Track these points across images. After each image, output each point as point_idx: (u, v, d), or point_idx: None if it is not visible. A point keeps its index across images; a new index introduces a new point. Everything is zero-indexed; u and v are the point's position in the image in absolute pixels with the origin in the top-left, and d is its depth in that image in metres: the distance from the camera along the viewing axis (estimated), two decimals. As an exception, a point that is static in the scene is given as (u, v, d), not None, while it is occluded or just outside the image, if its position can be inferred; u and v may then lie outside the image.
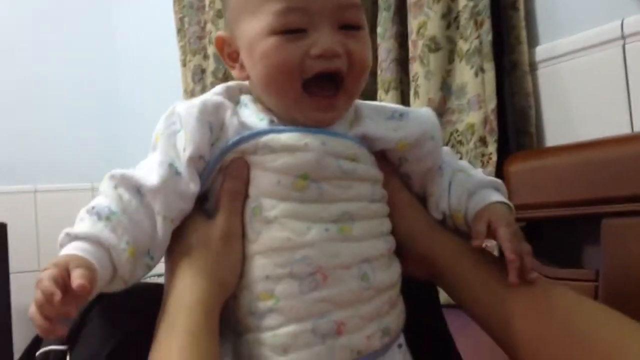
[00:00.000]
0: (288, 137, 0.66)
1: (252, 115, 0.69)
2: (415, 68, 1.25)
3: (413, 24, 1.25)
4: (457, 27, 1.20)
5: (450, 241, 0.73)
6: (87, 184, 2.60)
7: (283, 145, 0.66)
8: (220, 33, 0.74)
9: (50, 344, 0.69)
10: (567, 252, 1.10)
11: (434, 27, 1.21)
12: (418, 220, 0.74)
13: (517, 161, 1.13)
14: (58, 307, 0.55)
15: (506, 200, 0.73)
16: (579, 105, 1.10)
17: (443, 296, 0.85)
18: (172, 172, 0.65)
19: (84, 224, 0.63)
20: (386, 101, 1.30)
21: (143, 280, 0.71)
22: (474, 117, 1.17)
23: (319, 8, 0.65)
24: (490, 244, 0.74)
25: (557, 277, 0.98)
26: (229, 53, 0.73)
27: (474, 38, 1.16)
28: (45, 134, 2.67)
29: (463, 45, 1.19)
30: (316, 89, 0.67)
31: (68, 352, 0.68)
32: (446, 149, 0.78)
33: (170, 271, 0.67)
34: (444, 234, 0.74)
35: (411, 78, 1.27)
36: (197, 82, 1.98)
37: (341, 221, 0.66)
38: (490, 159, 1.15)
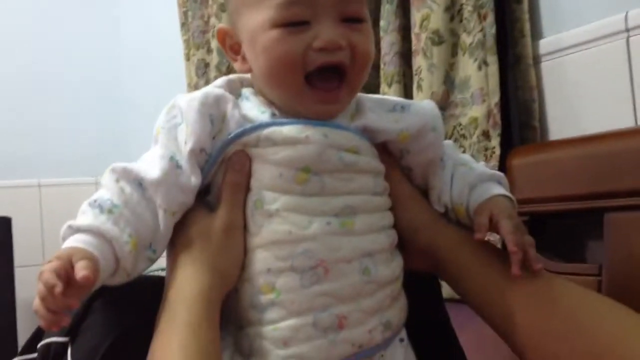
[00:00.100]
0: (290, 129, 0.66)
1: (254, 108, 0.69)
2: (418, 61, 1.25)
3: (416, 16, 1.25)
4: (461, 20, 1.20)
5: (452, 233, 0.73)
6: (90, 178, 2.61)
7: (284, 138, 0.66)
8: (222, 25, 0.74)
9: (51, 336, 0.69)
10: (570, 246, 1.10)
11: (437, 20, 1.21)
12: (420, 213, 0.74)
13: (521, 155, 1.12)
14: (60, 298, 0.55)
15: (508, 193, 0.73)
16: (582, 98, 1.10)
17: (445, 291, 0.85)
18: (173, 165, 0.65)
19: (86, 216, 0.63)
20: (389, 95, 1.30)
21: (146, 274, 0.71)
22: (477, 110, 1.17)
23: (322, 0, 0.65)
24: (493, 238, 0.74)
25: (560, 271, 0.98)
26: (230, 45, 0.73)
27: (478, 31, 1.16)
28: (49, 129, 2.68)
29: (466, 39, 1.18)
30: (319, 82, 0.66)
31: (69, 344, 0.68)
32: (448, 142, 0.78)
33: (172, 263, 0.67)
34: (447, 226, 0.74)
35: (414, 71, 1.27)
36: (201, 76, 1.98)
37: (343, 215, 0.66)
38: (493, 152, 1.14)
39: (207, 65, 1.97)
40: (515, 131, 1.19)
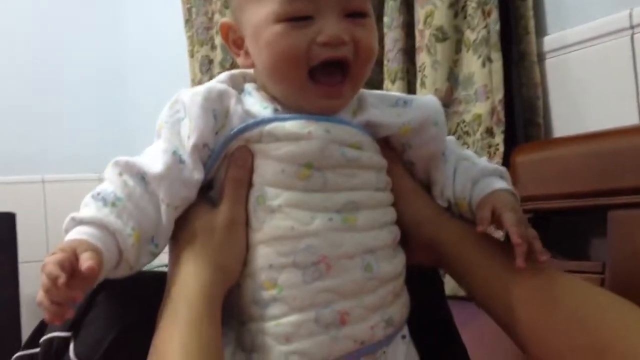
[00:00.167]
0: (292, 125, 0.66)
1: (257, 104, 0.69)
2: (422, 58, 1.25)
3: (420, 13, 1.25)
4: (465, 17, 1.19)
5: (455, 227, 0.73)
6: (94, 174, 2.61)
7: (287, 134, 0.66)
8: (225, 20, 0.73)
9: (53, 331, 0.70)
10: (573, 244, 1.10)
11: (441, 16, 1.20)
12: (423, 207, 0.74)
13: (524, 152, 1.12)
14: (63, 290, 0.55)
15: (511, 188, 0.73)
16: (587, 95, 1.09)
17: (448, 288, 0.85)
18: (176, 159, 0.65)
19: (89, 209, 0.63)
20: (392, 91, 1.30)
21: (149, 269, 0.71)
22: (481, 107, 1.16)
23: None
24: (498, 235, 0.74)
25: (563, 269, 0.97)
26: (234, 40, 0.72)
27: (482, 28, 1.15)
28: (53, 126, 2.69)
29: (470, 35, 1.18)
30: (322, 77, 0.66)
31: (72, 339, 0.68)
32: (450, 138, 0.78)
33: (174, 259, 0.67)
34: (450, 220, 0.74)
35: (418, 68, 1.27)
36: (205, 72, 1.98)
37: (345, 211, 0.66)
38: (497, 150, 1.14)
39: (211, 61, 1.97)
40: (519, 128, 1.19)
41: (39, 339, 0.71)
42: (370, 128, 0.71)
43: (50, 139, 2.68)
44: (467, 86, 1.19)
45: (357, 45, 0.66)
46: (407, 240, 0.73)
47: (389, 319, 0.67)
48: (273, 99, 0.70)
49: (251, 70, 0.73)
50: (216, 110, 0.67)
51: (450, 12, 1.20)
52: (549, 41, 1.14)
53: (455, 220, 0.74)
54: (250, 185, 0.67)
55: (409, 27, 1.30)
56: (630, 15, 1.01)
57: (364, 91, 0.74)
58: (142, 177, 0.65)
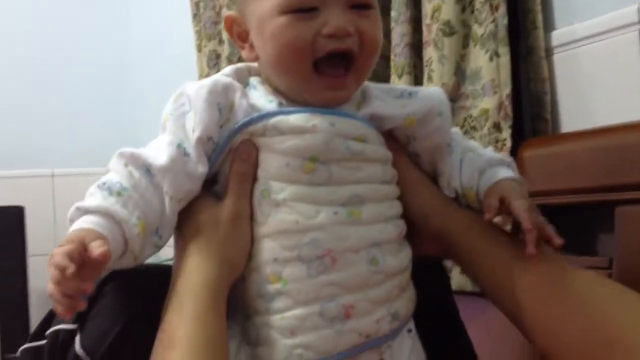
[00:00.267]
0: (296, 118, 0.66)
1: (261, 97, 0.69)
2: (429, 52, 1.24)
3: (427, 7, 1.24)
4: (472, 11, 1.19)
5: (463, 216, 0.73)
6: (103, 168, 2.62)
7: (291, 127, 0.66)
8: (230, 13, 0.73)
9: (60, 323, 0.70)
10: (581, 239, 1.09)
11: (448, 10, 1.20)
12: (430, 198, 0.74)
13: (532, 147, 1.11)
14: (73, 281, 0.55)
15: (517, 177, 0.73)
16: (595, 90, 1.09)
17: (455, 283, 0.84)
18: (181, 152, 0.65)
19: (94, 198, 0.63)
20: (399, 85, 1.30)
21: (155, 263, 0.71)
22: (488, 102, 1.16)
23: None
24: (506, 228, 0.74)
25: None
26: (238, 33, 0.72)
27: (489, 22, 1.15)
28: (63, 119, 2.70)
29: (478, 30, 1.17)
30: (327, 69, 0.66)
31: (78, 331, 0.68)
32: (455, 129, 0.78)
33: (179, 252, 0.67)
34: (457, 210, 0.74)
35: (425, 62, 1.26)
36: (212, 67, 1.98)
37: (350, 204, 0.66)
38: (504, 145, 1.13)
39: (218, 56, 1.97)
40: (527, 123, 1.18)
41: (45, 331, 0.71)
42: (375, 121, 0.71)
43: (60, 133, 2.69)
44: (474, 81, 1.19)
45: (362, 37, 0.66)
46: (414, 232, 0.73)
47: (395, 313, 0.67)
48: (278, 92, 0.70)
49: (256, 64, 0.73)
50: (221, 104, 0.67)
51: (458, 7, 1.20)
52: (557, 36, 1.14)
53: (463, 210, 0.74)
54: (254, 179, 0.67)
55: (416, 22, 1.30)
56: (638, 10, 1.00)
57: (369, 84, 0.74)
58: (147, 169, 0.66)
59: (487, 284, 0.71)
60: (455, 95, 1.20)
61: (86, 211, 0.62)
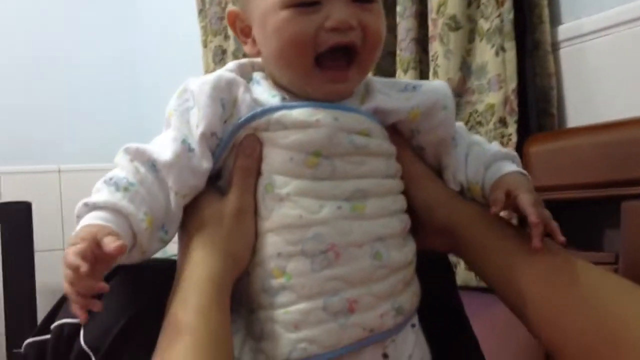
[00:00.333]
0: (300, 113, 0.66)
1: (265, 92, 0.69)
2: (434, 47, 1.24)
3: (433, 2, 1.24)
4: (478, 6, 1.19)
5: (468, 209, 0.73)
6: (110, 164, 2.63)
7: (295, 122, 0.66)
8: (233, 8, 0.73)
9: (64, 317, 0.70)
10: (586, 234, 1.09)
11: (454, 5, 1.20)
12: (435, 191, 0.74)
13: (538, 142, 1.11)
14: (86, 280, 0.55)
15: (522, 171, 0.72)
16: (601, 85, 1.08)
17: (459, 278, 0.84)
18: (185, 148, 0.65)
19: (101, 194, 0.64)
20: (404, 80, 1.29)
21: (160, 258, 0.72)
22: (494, 97, 1.15)
23: None
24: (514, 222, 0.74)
25: (576, 259, 0.97)
26: (241, 28, 0.72)
27: (495, 17, 1.14)
28: (70, 115, 2.70)
29: (484, 24, 1.17)
30: (329, 62, 0.66)
31: (82, 326, 0.68)
32: (460, 124, 0.78)
33: (184, 247, 0.67)
34: (462, 202, 0.74)
35: (430, 57, 1.26)
36: (218, 62, 1.98)
37: (354, 199, 0.66)
38: (510, 139, 1.13)
39: (224, 52, 1.98)
40: (533, 118, 1.18)
41: (50, 325, 0.72)
42: (378, 115, 0.70)
43: (66, 129, 2.70)
44: (480, 76, 1.19)
45: (365, 30, 0.66)
46: (419, 226, 0.73)
47: (399, 307, 0.67)
48: (281, 87, 0.70)
49: (260, 59, 0.73)
50: (224, 99, 0.66)
51: (464, 1, 1.19)
52: (564, 30, 1.13)
53: (468, 203, 0.74)
54: (258, 173, 0.67)
55: (421, 16, 1.30)
56: (646, 4, 1.00)
57: (372, 78, 0.74)
58: (152, 164, 0.66)
59: (492, 277, 0.71)
60: (461, 90, 1.20)
61: (94, 207, 0.62)
